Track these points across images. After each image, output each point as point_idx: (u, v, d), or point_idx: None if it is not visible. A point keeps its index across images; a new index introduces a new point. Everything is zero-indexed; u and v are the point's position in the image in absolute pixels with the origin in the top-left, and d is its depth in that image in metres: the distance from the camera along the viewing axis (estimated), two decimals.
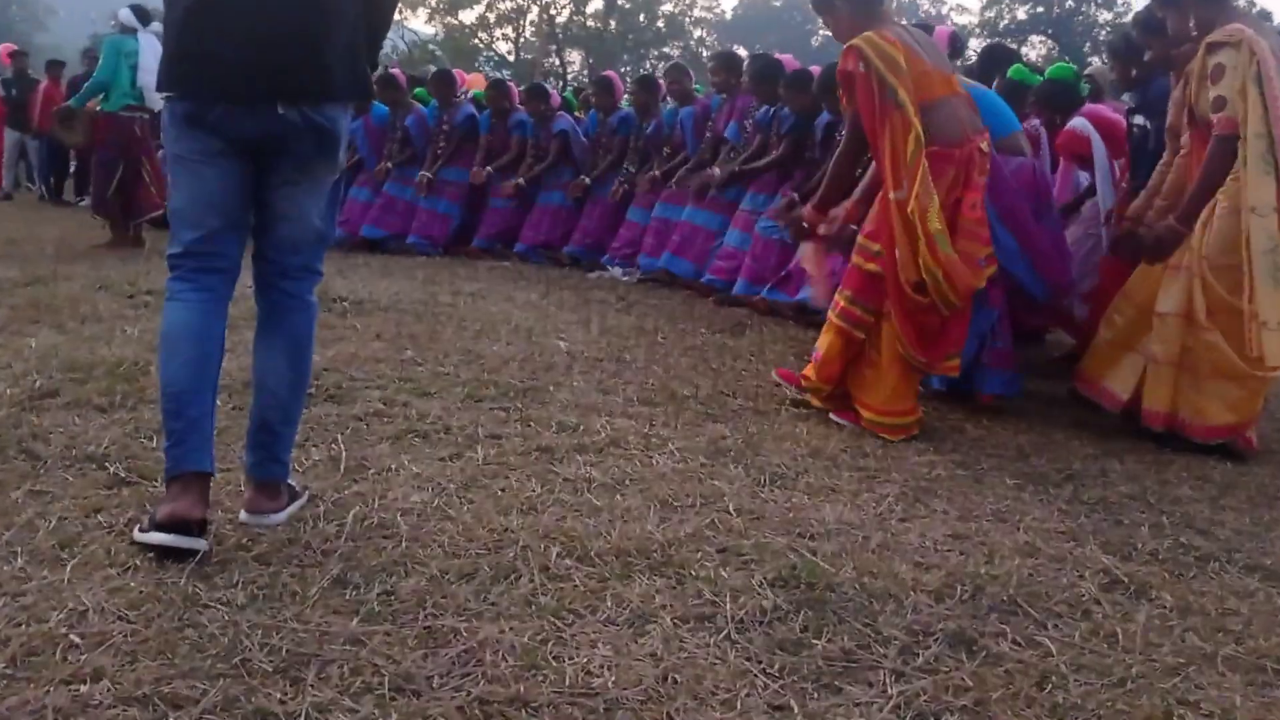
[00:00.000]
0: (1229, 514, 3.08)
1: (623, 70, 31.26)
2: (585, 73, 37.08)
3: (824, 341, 3.89)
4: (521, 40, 37.12)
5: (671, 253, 7.07)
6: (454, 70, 9.39)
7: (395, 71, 8.97)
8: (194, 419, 2.31)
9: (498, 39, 36.90)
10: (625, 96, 8.60)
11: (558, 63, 36.61)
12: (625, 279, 7.31)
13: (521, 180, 8.18)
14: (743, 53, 9.07)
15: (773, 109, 6.58)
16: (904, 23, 3.89)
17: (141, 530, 2.27)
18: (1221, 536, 2.87)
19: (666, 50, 39.54)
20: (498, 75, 10.84)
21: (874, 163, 3.88)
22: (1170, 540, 2.79)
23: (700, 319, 5.81)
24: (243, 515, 2.46)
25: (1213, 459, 3.68)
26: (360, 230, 8.45)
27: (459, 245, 8.41)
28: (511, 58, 37.00)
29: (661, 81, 7.86)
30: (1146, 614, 2.30)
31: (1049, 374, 4.87)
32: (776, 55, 7.13)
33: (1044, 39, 42.80)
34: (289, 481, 2.56)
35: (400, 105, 8.54)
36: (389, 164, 8.47)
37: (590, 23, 37.42)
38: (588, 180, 7.95)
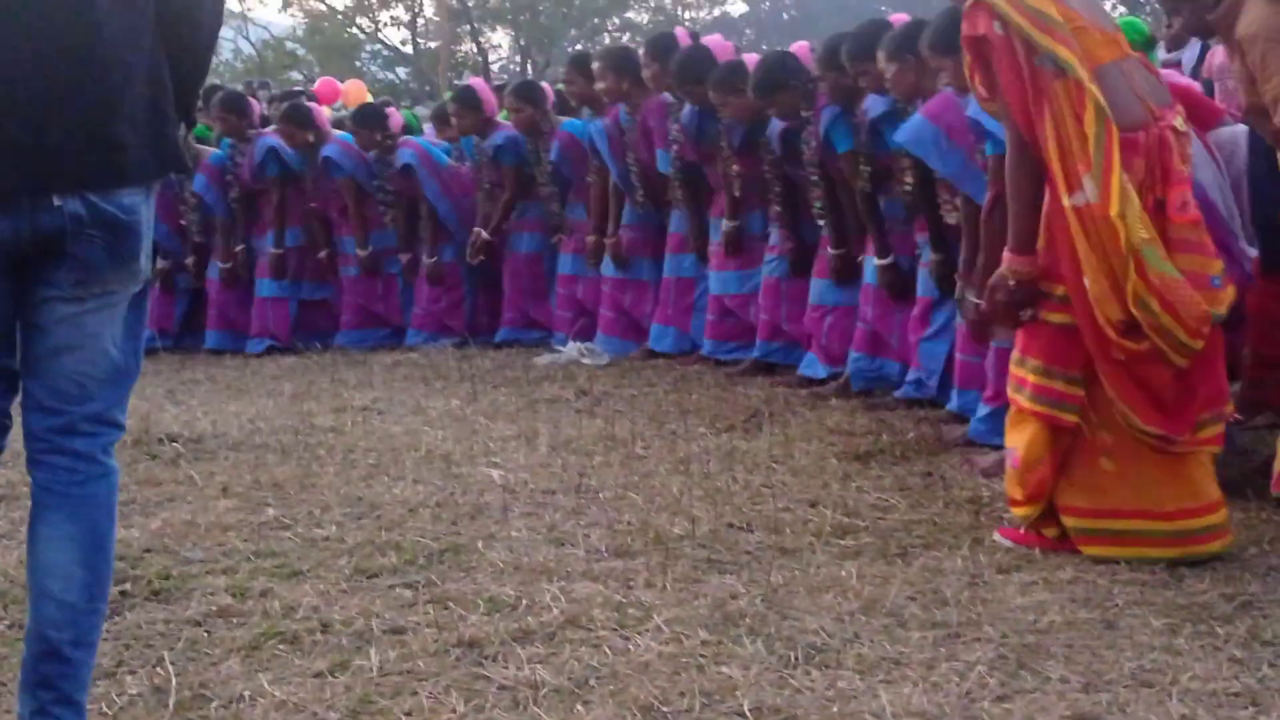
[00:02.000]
0: None
1: (571, 51, 31.73)
2: (517, 60, 37.72)
3: (1018, 439, 3.85)
4: (420, 24, 37.77)
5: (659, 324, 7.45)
6: (246, 91, 9.57)
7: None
8: None
9: (385, 25, 37.55)
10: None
11: (474, 50, 37.20)
12: (588, 360, 7.36)
13: (361, 252, 8.44)
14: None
15: (705, 115, 6.93)
16: None
17: None
18: None
19: (630, 16, 40.27)
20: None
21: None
22: None
23: (696, 413, 5.87)
24: None
25: None
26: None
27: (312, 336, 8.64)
28: (408, 49, 37.62)
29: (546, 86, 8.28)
30: None
31: None
32: (682, 37, 7.57)
33: None
34: None
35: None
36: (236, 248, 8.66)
37: None
38: (484, 234, 8.18)
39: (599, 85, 7.55)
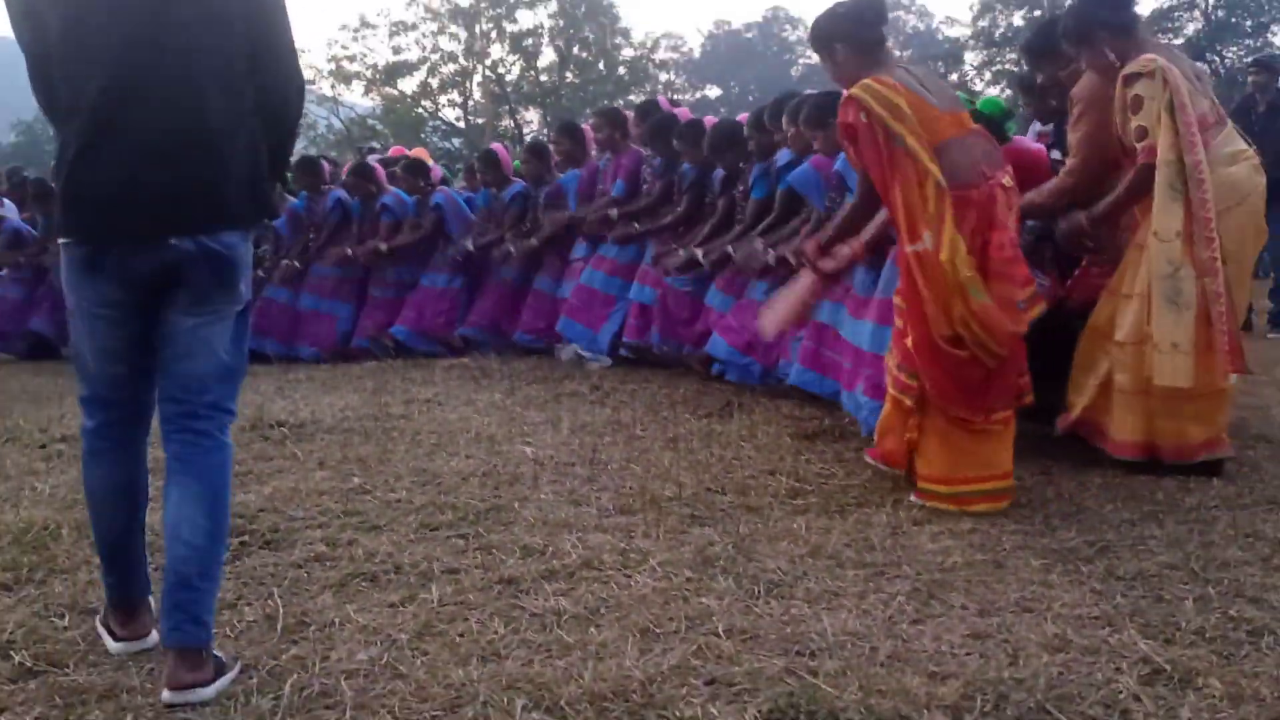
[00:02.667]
0: None
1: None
2: (544, 132, 37.63)
3: (883, 413, 4.10)
4: (470, 104, 37.70)
5: (566, 316, 7.49)
6: (321, 158, 9.52)
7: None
8: (131, 561, 2.71)
9: (444, 106, 37.49)
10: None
11: (512, 124, 37.13)
12: (595, 363, 7.31)
13: (384, 246, 8.30)
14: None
15: (668, 163, 7.04)
16: (908, 66, 4.03)
17: (102, 623, 2.79)
18: (1276, 603, 2.85)
19: (631, 98, 40.17)
20: (366, 154, 10.98)
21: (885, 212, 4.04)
22: (1218, 614, 2.78)
23: (683, 403, 5.83)
24: (165, 695, 2.43)
25: (1260, 512, 3.68)
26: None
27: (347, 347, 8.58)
28: (461, 124, 37.55)
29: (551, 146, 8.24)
30: (1192, 707, 2.28)
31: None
32: (664, 105, 7.62)
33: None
34: (216, 653, 2.55)
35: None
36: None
37: (544, 78, 38.05)
38: (469, 248, 8.14)
39: (596, 135, 7.62)
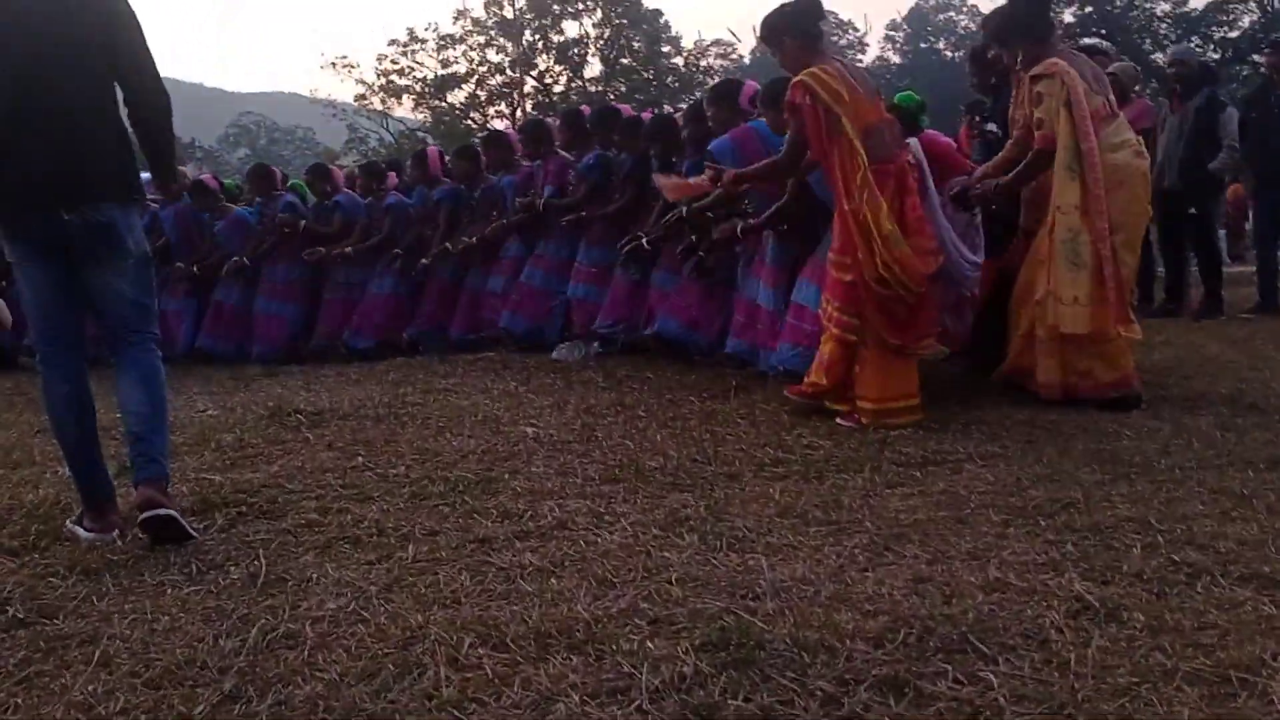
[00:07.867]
0: (1238, 525, 3.11)
1: None
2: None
3: (825, 349, 4.88)
4: (518, 115, 38.02)
5: (510, 311, 7.87)
6: (271, 167, 9.98)
7: (205, 178, 9.61)
8: (91, 464, 3.52)
9: (492, 117, 37.84)
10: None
11: None
12: (575, 355, 7.41)
13: (349, 250, 8.66)
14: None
15: (599, 156, 7.48)
16: (840, 58, 4.88)
17: (74, 523, 3.54)
18: (1223, 549, 2.90)
19: (681, 105, 40.23)
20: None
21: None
22: (1163, 559, 2.84)
23: (692, 388, 5.89)
24: (141, 516, 3.29)
25: (1233, 472, 3.72)
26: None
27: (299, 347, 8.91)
28: None
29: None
30: (1111, 637, 2.35)
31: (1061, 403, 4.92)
32: (586, 112, 8.08)
33: (1099, 39, 43.08)
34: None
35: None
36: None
37: (591, 88, 38.28)
38: (424, 261, 8.48)
39: (524, 148, 8.22)
